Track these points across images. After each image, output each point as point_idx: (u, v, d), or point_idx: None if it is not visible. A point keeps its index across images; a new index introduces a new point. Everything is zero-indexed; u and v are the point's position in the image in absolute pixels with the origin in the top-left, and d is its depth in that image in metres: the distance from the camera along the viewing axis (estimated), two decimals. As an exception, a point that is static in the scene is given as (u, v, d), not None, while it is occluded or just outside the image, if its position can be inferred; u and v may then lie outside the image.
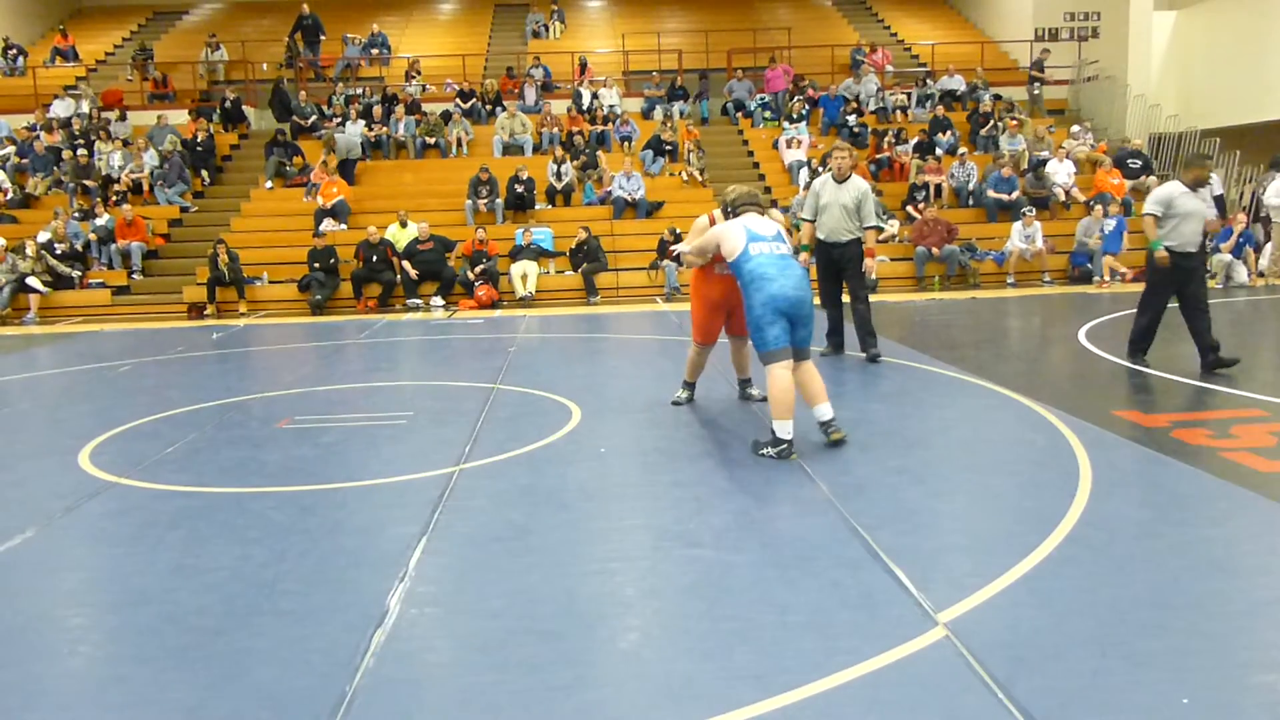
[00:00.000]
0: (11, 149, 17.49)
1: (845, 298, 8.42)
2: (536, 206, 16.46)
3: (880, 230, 8.06)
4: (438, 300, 14.50)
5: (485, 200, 16.11)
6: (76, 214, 15.83)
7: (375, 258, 14.57)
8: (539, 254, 14.99)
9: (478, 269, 14.56)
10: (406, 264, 14.55)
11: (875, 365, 8.05)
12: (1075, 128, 17.96)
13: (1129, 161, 16.84)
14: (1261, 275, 14.10)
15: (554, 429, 6.13)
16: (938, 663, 2.96)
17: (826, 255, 8.22)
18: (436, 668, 3.11)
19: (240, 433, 6.49)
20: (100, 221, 15.57)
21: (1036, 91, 19.50)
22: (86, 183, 16.67)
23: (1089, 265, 14.68)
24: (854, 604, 3.39)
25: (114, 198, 16.36)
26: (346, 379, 8.77)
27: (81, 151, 17.10)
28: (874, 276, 8.25)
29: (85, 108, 18.94)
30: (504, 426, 6.36)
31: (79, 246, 15.22)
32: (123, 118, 18.60)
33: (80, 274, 15.01)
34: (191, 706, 2.84)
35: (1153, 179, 16.70)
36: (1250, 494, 4.45)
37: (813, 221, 8.19)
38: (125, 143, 17.53)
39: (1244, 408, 6.20)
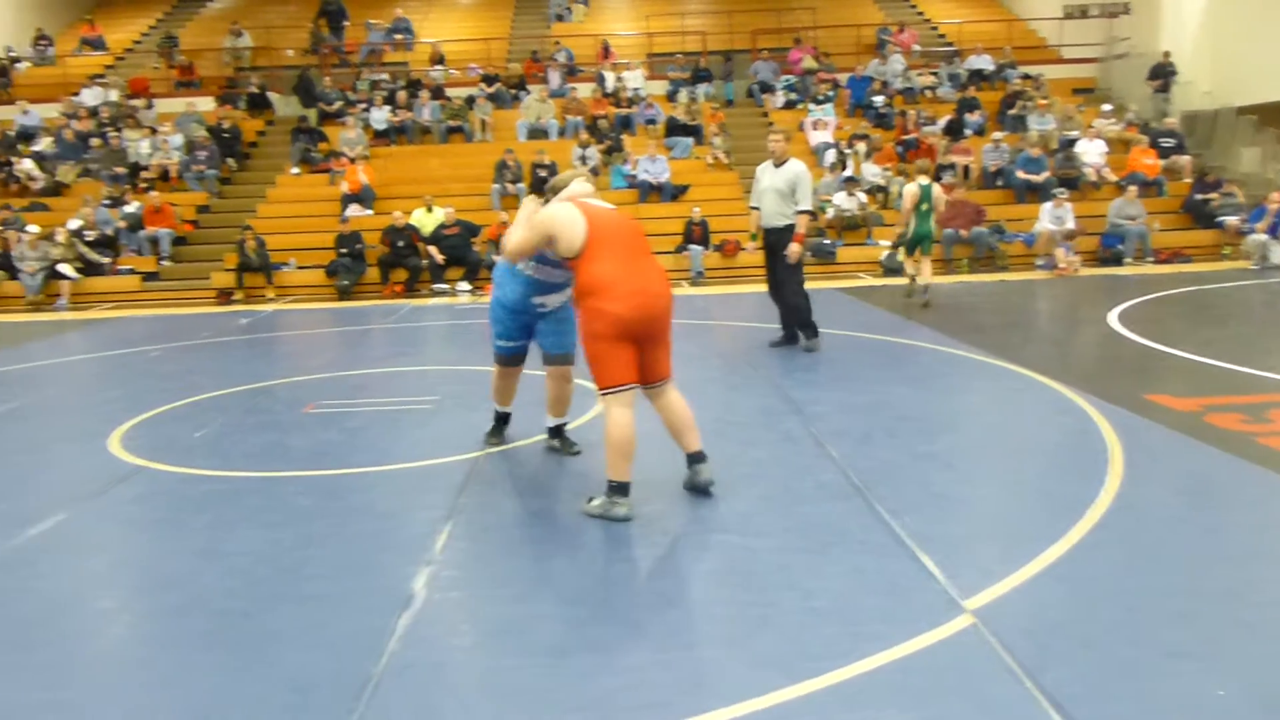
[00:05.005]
0: (49, 140, 17.64)
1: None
2: (561, 191, 16.38)
3: (813, 216, 7.69)
4: (464, 285, 14.51)
5: (511, 185, 16.09)
6: (106, 201, 15.97)
7: (401, 243, 14.60)
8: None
9: (503, 253, 14.53)
10: (432, 249, 14.58)
11: (900, 350, 7.98)
12: (1110, 110, 17.66)
13: (1161, 141, 16.57)
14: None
15: (582, 411, 6.10)
16: (965, 650, 2.92)
17: (767, 241, 8.06)
18: (460, 651, 3.11)
19: (267, 417, 6.53)
20: (129, 209, 15.70)
21: None
22: (116, 170, 16.82)
23: (1120, 247, 14.47)
24: (880, 590, 3.35)
25: (142, 185, 16.51)
26: (372, 363, 8.80)
27: (111, 137, 17.23)
28: (794, 260, 7.81)
29: (113, 96, 19.09)
30: (530, 410, 6.33)
31: (109, 233, 15.37)
32: (149, 105, 18.75)
33: (110, 260, 15.17)
34: (217, 689, 2.86)
35: (1186, 158, 16.43)
36: (1286, 479, 4.37)
37: (758, 209, 8.07)
38: (153, 130, 17.66)
39: (1279, 392, 6.09)
